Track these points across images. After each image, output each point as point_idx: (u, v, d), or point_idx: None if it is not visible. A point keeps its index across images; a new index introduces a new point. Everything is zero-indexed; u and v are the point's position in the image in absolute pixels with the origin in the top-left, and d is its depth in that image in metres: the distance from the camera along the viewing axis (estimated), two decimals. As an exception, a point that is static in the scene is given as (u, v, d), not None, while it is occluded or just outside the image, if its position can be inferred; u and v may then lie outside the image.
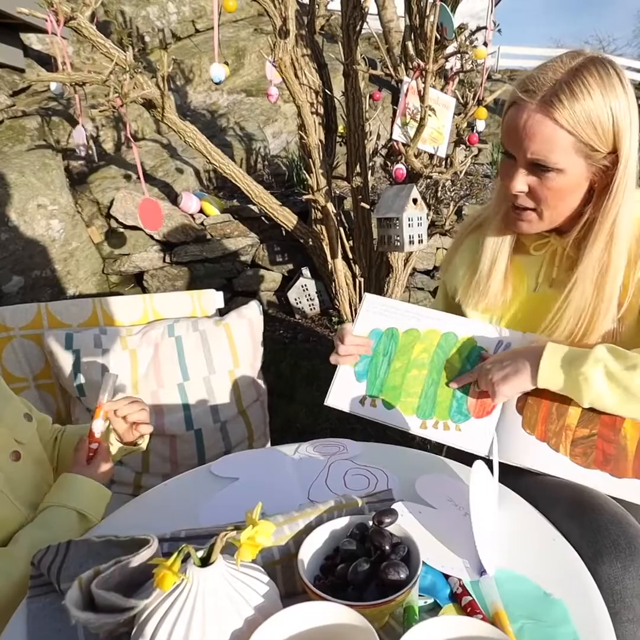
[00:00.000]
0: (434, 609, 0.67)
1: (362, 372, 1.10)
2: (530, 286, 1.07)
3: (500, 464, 0.96)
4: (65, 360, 1.35)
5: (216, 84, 2.42)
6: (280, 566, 0.67)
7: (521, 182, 0.93)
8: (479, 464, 0.78)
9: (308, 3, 3.04)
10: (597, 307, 0.95)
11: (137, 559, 0.58)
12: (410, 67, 2.44)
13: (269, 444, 1.57)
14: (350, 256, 3.24)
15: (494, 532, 0.80)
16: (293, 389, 2.80)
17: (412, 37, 2.64)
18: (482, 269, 1.08)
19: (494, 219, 1.06)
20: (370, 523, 0.69)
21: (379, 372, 1.09)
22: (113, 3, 5.08)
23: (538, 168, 0.91)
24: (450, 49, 2.45)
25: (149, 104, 2.61)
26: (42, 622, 0.63)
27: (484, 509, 0.76)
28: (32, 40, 4.44)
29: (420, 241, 2.31)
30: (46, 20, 2.26)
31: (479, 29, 2.64)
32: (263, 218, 3.71)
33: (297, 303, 3.76)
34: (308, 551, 0.66)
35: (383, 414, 1.06)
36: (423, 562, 0.66)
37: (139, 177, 2.53)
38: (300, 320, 3.78)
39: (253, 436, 1.50)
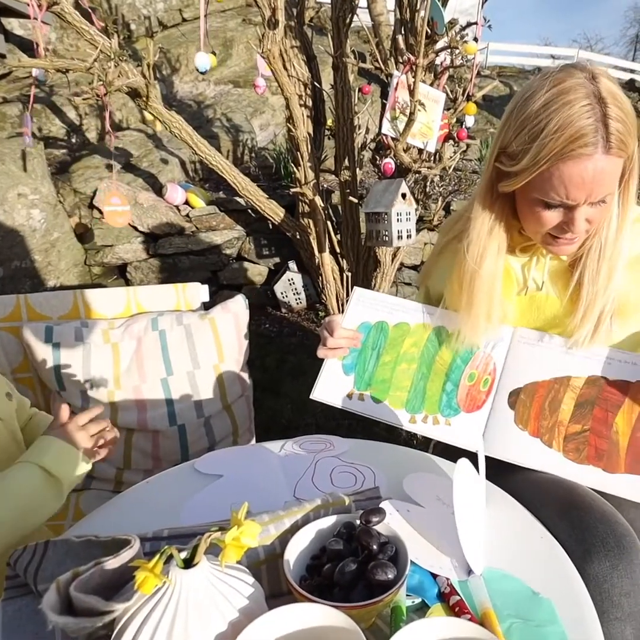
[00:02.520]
0: (421, 609, 0.66)
1: (350, 365, 1.08)
2: (518, 287, 1.07)
3: (490, 462, 0.96)
4: (45, 353, 1.32)
5: (201, 73, 2.39)
6: (265, 566, 0.66)
7: (584, 220, 0.90)
8: (463, 462, 0.77)
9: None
10: (606, 305, 0.97)
11: (118, 561, 0.56)
12: (400, 61, 2.42)
13: (253, 440, 1.55)
14: (338, 250, 3.23)
15: (482, 531, 0.79)
16: (279, 384, 2.78)
17: (403, 31, 2.62)
18: (470, 273, 1.03)
19: (484, 224, 1.02)
20: (358, 522, 0.68)
21: (368, 365, 1.08)
22: (98, -11, 4.99)
23: (599, 203, 0.89)
24: (441, 44, 2.43)
25: (134, 93, 2.57)
26: (18, 624, 0.61)
27: (470, 508, 0.75)
28: (13, 25, 4.35)
29: (409, 236, 2.30)
30: (28, 5, 2.20)
31: (469, 24, 2.62)
32: (249, 211, 3.68)
33: (283, 297, 3.74)
34: (294, 551, 0.64)
35: (371, 408, 1.05)
36: (411, 561, 0.65)
37: (122, 168, 2.49)
38: (286, 314, 3.76)
39: (238, 432, 1.48)
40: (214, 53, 2.39)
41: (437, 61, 2.61)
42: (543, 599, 0.68)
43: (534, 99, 0.86)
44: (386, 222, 2.24)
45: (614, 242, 0.95)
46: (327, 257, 3.01)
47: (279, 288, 3.71)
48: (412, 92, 2.12)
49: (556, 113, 0.83)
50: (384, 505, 0.78)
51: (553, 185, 0.87)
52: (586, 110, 0.82)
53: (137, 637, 0.48)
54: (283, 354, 3.16)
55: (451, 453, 1.01)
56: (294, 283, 3.69)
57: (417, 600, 0.67)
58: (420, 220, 3.48)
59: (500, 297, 1.04)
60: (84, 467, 0.93)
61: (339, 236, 3.23)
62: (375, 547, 0.63)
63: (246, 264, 3.88)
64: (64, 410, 0.97)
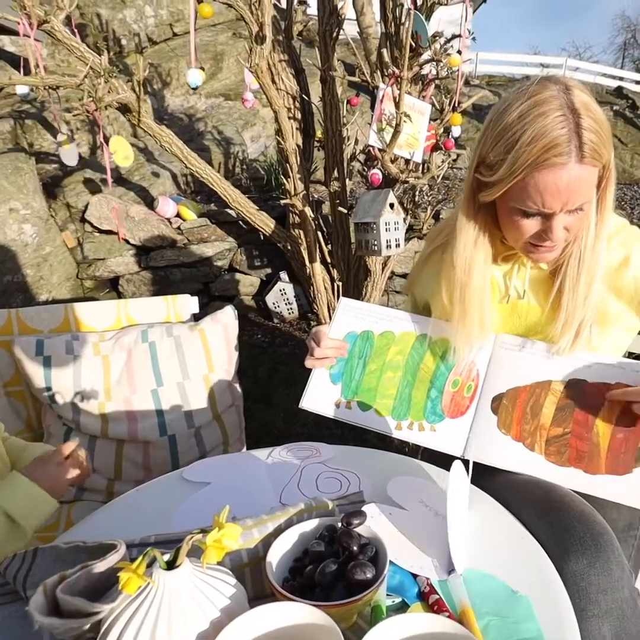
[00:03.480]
0: (402, 608, 0.68)
1: (337, 374, 1.10)
2: (500, 296, 1.09)
3: (473, 465, 0.98)
4: (36, 366, 1.33)
5: (193, 89, 2.42)
6: (249, 569, 0.67)
7: (562, 228, 0.92)
8: (457, 465, 0.80)
9: (286, 8, 3.05)
10: (586, 313, 0.98)
11: (104, 564, 0.58)
12: (386, 74, 2.46)
13: (244, 449, 1.56)
14: (329, 260, 3.25)
15: (465, 532, 0.81)
16: (270, 394, 2.80)
17: (388, 44, 2.67)
18: (460, 284, 1.05)
19: (469, 234, 1.04)
20: (339, 525, 0.69)
21: (354, 374, 1.10)
22: (89, 6, 5.04)
23: (576, 211, 0.91)
24: (425, 56, 2.47)
25: (124, 108, 2.60)
26: (7, 629, 0.63)
27: (459, 510, 0.77)
28: (5, 42, 4.39)
29: (398, 245, 2.32)
30: (19, 24, 2.23)
31: (453, 37, 2.68)
32: (241, 222, 3.70)
33: (275, 307, 3.76)
34: (277, 553, 0.66)
35: (358, 416, 1.07)
36: (391, 561, 0.67)
37: (114, 182, 2.51)
38: (278, 325, 3.78)
39: (228, 441, 1.49)
40: (202, 68, 2.42)
41: (424, 72, 2.66)
42: (521, 596, 0.70)
43: (510, 111, 0.89)
44: (375, 231, 2.27)
45: (593, 249, 0.97)
46: (318, 267, 3.04)
47: (271, 298, 3.74)
48: (397, 104, 2.16)
49: (530, 124, 0.86)
50: (367, 508, 0.80)
51: (529, 194, 0.90)
52: (560, 121, 0.85)
53: (121, 636, 0.49)
54: (275, 364, 3.18)
55: (439, 458, 1.03)
56: (285, 293, 3.72)
57: (398, 600, 0.69)
58: (410, 229, 3.51)
59: (490, 305, 1.06)
60: (52, 508, 0.92)
61: (329, 246, 3.26)
62: (355, 548, 0.65)
63: (238, 275, 3.91)
64: (67, 448, 0.98)
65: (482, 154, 0.96)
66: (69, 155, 3.21)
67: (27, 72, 2.37)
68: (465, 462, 0.90)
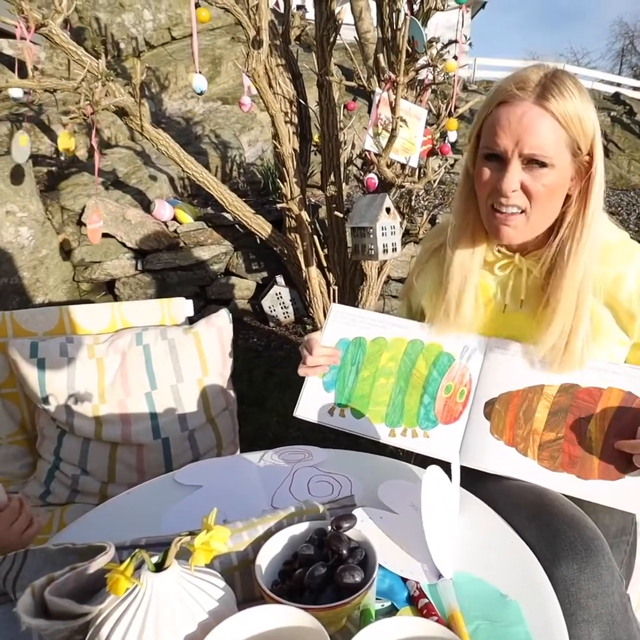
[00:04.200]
0: (391, 612, 0.68)
1: (331, 382, 1.10)
2: (497, 306, 1.08)
3: (465, 470, 0.98)
4: (30, 369, 1.33)
5: (198, 94, 2.43)
6: (238, 572, 0.67)
7: (516, 179, 0.91)
8: (432, 468, 0.80)
9: (283, 13, 3.06)
10: (577, 324, 0.96)
11: (93, 566, 0.58)
12: (382, 79, 2.48)
13: (238, 453, 1.56)
14: (325, 264, 3.26)
15: (453, 536, 0.81)
16: (265, 397, 2.80)
17: (384, 49, 2.69)
18: (451, 292, 1.05)
19: (462, 237, 1.04)
20: (329, 528, 0.70)
21: (347, 381, 1.09)
22: (87, 10, 5.06)
23: (533, 163, 0.91)
24: (422, 61, 2.49)
25: (121, 112, 2.61)
26: (-4, 632, 0.63)
27: (439, 513, 0.78)
28: (2, 45, 4.39)
29: (394, 250, 2.34)
30: (16, 27, 2.24)
31: (450, 42, 2.69)
32: (237, 226, 3.71)
33: (271, 311, 3.76)
34: (266, 556, 0.66)
35: (352, 423, 1.07)
36: (381, 565, 0.67)
37: (110, 185, 2.52)
38: (274, 328, 3.78)
39: (222, 445, 1.49)
40: (199, 72, 2.43)
41: (420, 77, 2.67)
42: (510, 601, 0.70)
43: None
44: (371, 236, 2.28)
45: (577, 255, 0.95)
46: (314, 271, 3.04)
47: (267, 302, 3.74)
48: (393, 109, 2.17)
49: (509, 75, 0.93)
50: (357, 512, 0.80)
51: (488, 130, 0.93)
52: (534, 71, 0.91)
53: (109, 639, 0.50)
54: (270, 368, 3.18)
55: (431, 462, 1.03)
56: (281, 297, 3.72)
57: (387, 604, 0.69)
58: (406, 233, 3.53)
59: (475, 288, 1.05)
60: None
61: (325, 250, 3.27)
62: (345, 551, 0.65)
63: (234, 279, 3.91)
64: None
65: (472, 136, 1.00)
66: (21, 153, 3.15)
67: (24, 75, 2.37)
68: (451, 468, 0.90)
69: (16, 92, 3.16)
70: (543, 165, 0.91)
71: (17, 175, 3.24)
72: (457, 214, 1.06)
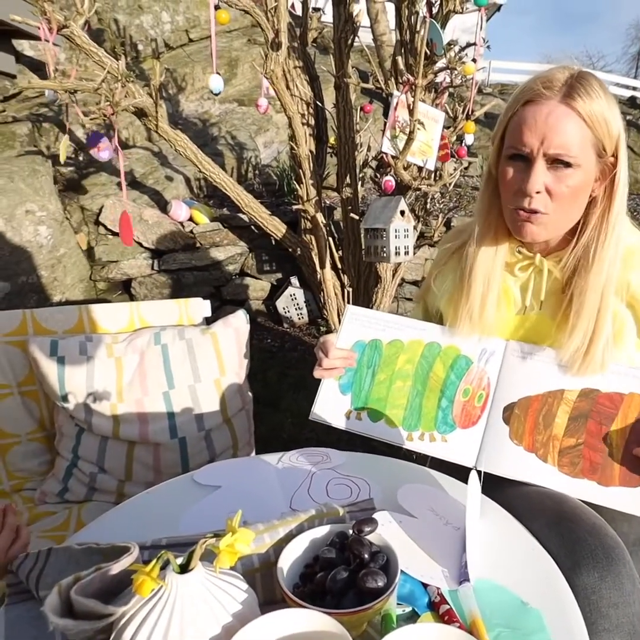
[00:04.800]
0: (412, 618, 0.68)
1: (347, 385, 1.09)
2: (517, 307, 1.07)
3: (484, 475, 0.97)
4: (49, 367, 1.35)
5: (215, 95, 2.44)
6: (259, 574, 0.67)
7: (540, 180, 0.90)
8: (474, 476, 0.79)
9: (301, 15, 3.07)
10: (600, 327, 0.95)
11: (118, 566, 0.58)
12: (400, 81, 2.47)
13: (253, 453, 1.57)
14: (339, 266, 3.26)
15: (478, 541, 0.80)
16: (280, 398, 2.80)
17: (403, 51, 2.68)
18: (474, 296, 1.04)
19: (484, 238, 1.04)
20: (350, 532, 0.69)
21: (364, 384, 1.09)
22: (107, 11, 5.10)
23: (558, 163, 0.90)
24: (440, 64, 2.48)
25: (140, 113, 2.63)
26: (19, 629, 0.63)
27: (475, 520, 0.77)
28: (24, 46, 4.45)
29: (407, 253, 2.33)
30: (39, 28, 2.26)
31: (468, 45, 2.68)
32: (253, 227, 3.72)
33: (285, 312, 3.77)
34: (288, 559, 0.66)
35: (368, 427, 1.06)
36: (402, 571, 0.67)
37: (128, 185, 2.53)
38: (288, 329, 3.78)
39: (237, 445, 1.50)
40: (218, 73, 2.44)
41: (438, 80, 2.66)
42: (531, 609, 0.69)
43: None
44: (384, 238, 2.28)
45: (601, 257, 0.95)
46: (328, 272, 3.05)
47: (281, 303, 3.75)
48: (411, 112, 2.17)
49: (535, 74, 0.92)
50: (378, 515, 0.80)
51: (513, 130, 0.93)
52: (561, 70, 0.91)
53: (134, 639, 0.50)
54: (284, 369, 3.18)
55: (447, 466, 1.02)
56: (295, 298, 3.73)
57: (408, 609, 0.68)
58: (421, 236, 3.51)
59: (498, 290, 1.05)
60: None
61: (340, 252, 3.27)
62: (366, 556, 0.65)
63: (249, 280, 3.92)
64: None
65: (495, 137, 1.00)
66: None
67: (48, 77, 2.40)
68: (479, 471, 0.89)
69: (48, 93, 3.19)
70: (568, 165, 0.90)
71: (36, 175, 3.27)
72: (479, 215, 1.05)
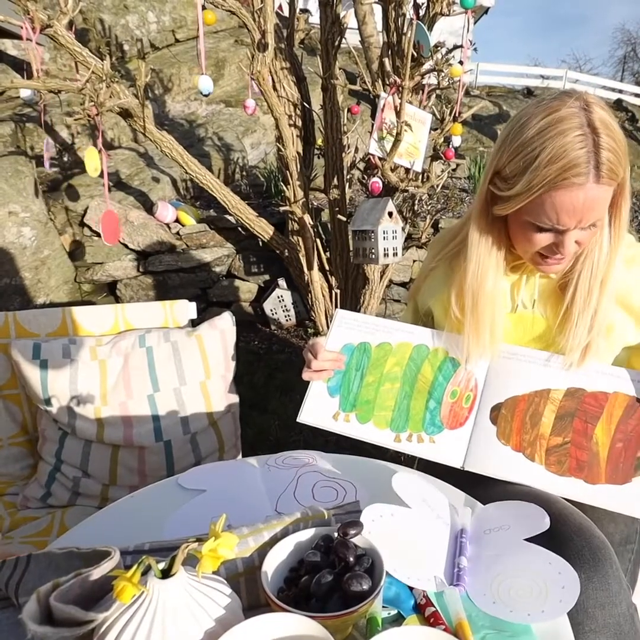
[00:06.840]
0: (397, 620, 0.67)
1: (335, 387, 1.09)
2: (507, 307, 1.09)
3: (468, 474, 0.97)
4: (32, 370, 1.33)
5: (204, 95, 2.43)
6: (243, 578, 0.67)
7: (574, 243, 0.93)
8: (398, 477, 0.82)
9: (288, 16, 3.07)
10: (593, 326, 0.98)
11: (98, 572, 0.57)
12: (387, 83, 2.48)
13: (240, 456, 1.56)
14: (327, 268, 3.26)
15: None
16: (267, 401, 2.79)
17: (390, 53, 2.69)
18: (483, 322, 1.04)
19: (481, 245, 1.03)
20: (336, 535, 0.69)
21: (352, 387, 1.08)
22: (92, 11, 5.07)
23: (589, 226, 0.92)
24: (427, 66, 2.49)
25: (125, 113, 2.61)
26: (-2, 637, 0.62)
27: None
28: (7, 45, 4.41)
29: (395, 254, 2.33)
30: (22, 28, 2.24)
31: (455, 47, 2.69)
32: (239, 228, 3.71)
33: (272, 314, 3.76)
34: (272, 563, 0.65)
35: (357, 429, 1.06)
36: (388, 573, 0.66)
37: (112, 186, 2.51)
38: (275, 331, 3.78)
39: (224, 448, 1.49)
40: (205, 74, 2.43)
41: (425, 82, 2.67)
42: (517, 610, 0.69)
43: (529, 126, 0.89)
44: (373, 240, 2.28)
45: (606, 264, 0.97)
46: (316, 274, 3.04)
47: (269, 305, 3.74)
48: (398, 113, 2.17)
49: (550, 141, 0.86)
50: (369, 509, 0.79)
51: (545, 211, 0.90)
52: (579, 140, 0.85)
53: (114, 646, 0.49)
54: (271, 371, 3.17)
55: (434, 468, 1.02)
56: (283, 300, 3.72)
57: (393, 612, 0.68)
58: (408, 237, 3.53)
59: (502, 314, 1.06)
60: None
61: (328, 254, 3.27)
62: (351, 559, 0.64)
63: (236, 281, 3.91)
64: None
65: (498, 166, 0.96)
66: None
67: (29, 76, 2.37)
68: (457, 474, 0.87)
69: (26, 93, 3.16)
70: (596, 224, 0.92)
71: (19, 176, 3.24)
72: (473, 218, 1.04)
